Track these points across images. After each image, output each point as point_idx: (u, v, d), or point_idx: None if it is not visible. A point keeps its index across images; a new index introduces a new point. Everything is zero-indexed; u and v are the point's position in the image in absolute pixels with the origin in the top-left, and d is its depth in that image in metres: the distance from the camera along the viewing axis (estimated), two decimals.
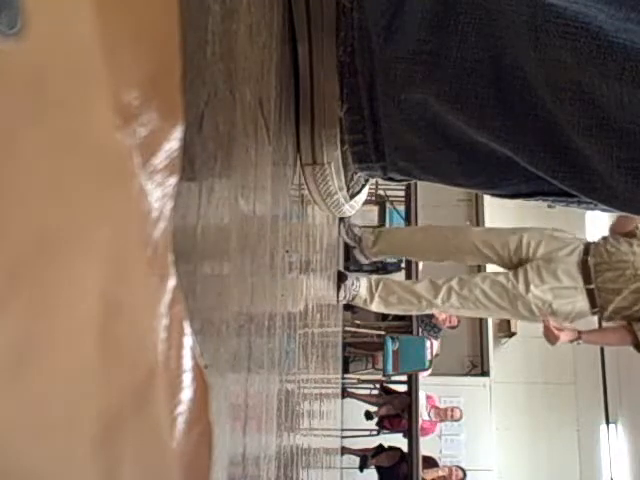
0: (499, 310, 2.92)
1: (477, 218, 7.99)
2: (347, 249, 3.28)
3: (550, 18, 0.73)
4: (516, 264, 2.89)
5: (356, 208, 1.23)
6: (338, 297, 3.01)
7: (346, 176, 1.11)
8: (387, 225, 6.18)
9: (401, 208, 5.71)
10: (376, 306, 3.09)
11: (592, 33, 0.70)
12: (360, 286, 3.02)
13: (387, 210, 5.87)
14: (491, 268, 3.24)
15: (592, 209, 0.89)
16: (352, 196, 1.17)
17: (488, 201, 7.84)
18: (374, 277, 3.18)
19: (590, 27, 0.70)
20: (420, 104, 0.86)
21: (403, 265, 5.97)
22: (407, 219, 5.55)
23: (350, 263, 5.64)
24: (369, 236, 3.08)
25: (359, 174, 1.13)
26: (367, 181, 1.21)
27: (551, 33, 0.72)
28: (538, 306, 2.79)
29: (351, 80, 0.90)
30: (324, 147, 1.05)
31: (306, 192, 1.22)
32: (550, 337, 2.95)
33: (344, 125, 0.95)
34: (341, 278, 2.98)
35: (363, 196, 1.22)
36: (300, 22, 0.97)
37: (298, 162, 1.11)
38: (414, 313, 3.59)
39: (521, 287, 2.81)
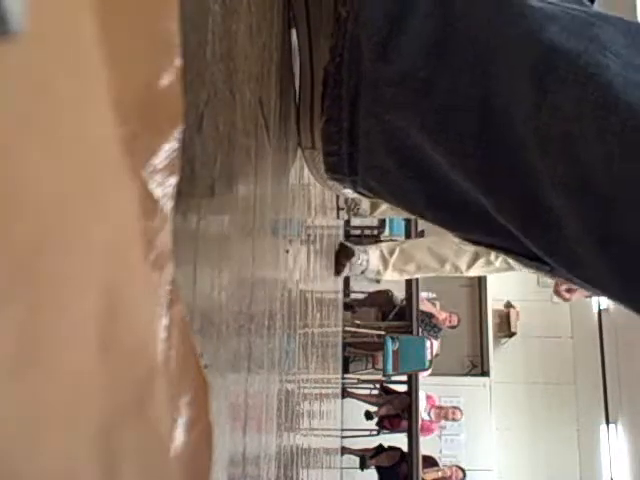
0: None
1: None
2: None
3: (561, 64, 0.70)
4: None
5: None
6: (339, 272, 2.80)
7: None
8: (387, 229, 6.18)
9: None
10: (390, 275, 2.88)
11: (601, 86, 0.68)
12: (369, 259, 2.81)
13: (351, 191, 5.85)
14: None
15: (549, 276, 0.86)
16: None
17: None
18: (385, 245, 2.95)
19: (599, 79, 0.68)
20: (401, 129, 0.84)
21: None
22: (407, 219, 5.55)
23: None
24: (366, 200, 2.83)
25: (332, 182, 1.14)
26: None
27: (559, 79, 0.70)
28: None
29: (334, 91, 0.88)
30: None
31: (307, 192, 1.24)
32: (562, 297, 2.76)
33: (321, 134, 0.93)
34: (347, 254, 2.76)
35: None
36: (300, 13, 0.96)
37: (298, 160, 1.11)
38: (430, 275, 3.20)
39: None
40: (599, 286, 0.75)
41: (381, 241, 5.09)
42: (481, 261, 2.69)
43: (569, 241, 0.73)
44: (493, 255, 2.64)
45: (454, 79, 0.78)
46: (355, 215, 2.89)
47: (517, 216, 0.78)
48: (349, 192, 1.26)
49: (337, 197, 2.91)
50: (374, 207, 2.89)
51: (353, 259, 2.75)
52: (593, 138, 0.68)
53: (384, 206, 2.85)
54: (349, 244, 2.89)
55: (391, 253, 2.81)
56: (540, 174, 0.73)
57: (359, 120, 0.87)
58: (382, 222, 5.98)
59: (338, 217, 2.96)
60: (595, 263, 0.72)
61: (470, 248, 2.67)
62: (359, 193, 0.98)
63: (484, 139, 0.77)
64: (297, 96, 1.04)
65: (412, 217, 4.59)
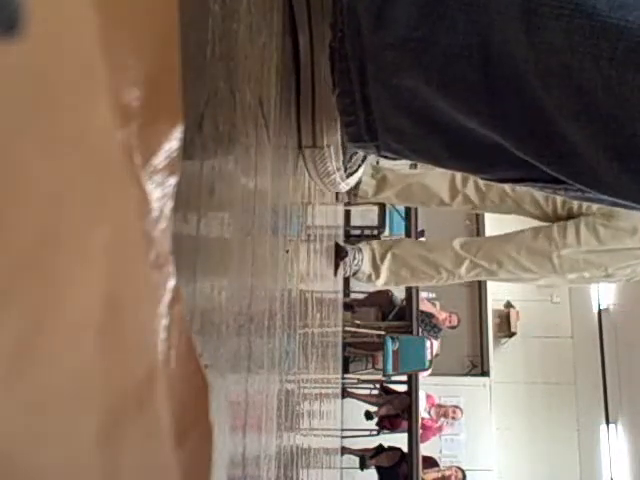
0: (537, 280, 2.49)
1: (477, 216, 7.99)
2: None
3: (545, 0, 0.72)
4: (564, 218, 2.37)
5: (351, 185, 1.30)
6: (336, 273, 2.62)
7: (344, 158, 1.16)
8: (387, 229, 6.16)
9: (401, 208, 5.71)
10: (384, 282, 2.61)
11: (585, 14, 0.70)
12: (362, 259, 2.58)
13: (387, 210, 5.86)
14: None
15: (579, 198, 0.89)
16: (349, 175, 1.22)
17: None
18: (377, 246, 2.65)
19: (584, 8, 0.70)
20: (410, 90, 0.86)
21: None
22: (407, 219, 5.55)
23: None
24: (369, 180, 2.54)
25: (357, 154, 1.17)
26: (364, 161, 1.26)
27: (545, 16, 0.72)
28: (591, 272, 2.36)
29: (342, 65, 0.91)
30: (324, 131, 1.10)
31: (306, 192, 1.24)
32: None
33: (337, 107, 0.96)
34: (340, 254, 2.56)
35: (359, 174, 1.27)
36: (300, 10, 0.98)
37: (298, 160, 1.12)
38: (432, 284, 2.89)
39: (570, 251, 2.32)
40: (630, 199, 0.79)
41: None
42: (484, 273, 2.51)
43: (588, 164, 0.76)
44: (495, 265, 2.47)
45: (449, 33, 0.80)
46: (355, 196, 2.67)
47: (535, 150, 0.81)
48: (344, 188, 1.28)
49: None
50: (379, 189, 2.60)
51: (347, 259, 2.58)
52: (589, 66, 0.70)
53: (389, 192, 2.66)
54: (342, 244, 2.71)
55: (382, 258, 2.60)
56: (548, 106, 0.76)
57: (369, 89, 0.90)
58: (382, 222, 5.98)
59: (337, 199, 2.76)
60: (618, 178, 0.75)
61: (469, 256, 2.52)
62: (384, 157, 1.01)
63: (489, 84, 0.80)
64: (297, 91, 1.06)
65: (412, 207, 4.50)
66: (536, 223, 2.51)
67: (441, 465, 6.23)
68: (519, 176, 0.90)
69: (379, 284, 2.68)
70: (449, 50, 0.80)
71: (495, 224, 6.33)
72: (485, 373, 8.20)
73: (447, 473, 5.97)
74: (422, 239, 5.75)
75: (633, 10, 0.68)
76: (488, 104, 0.81)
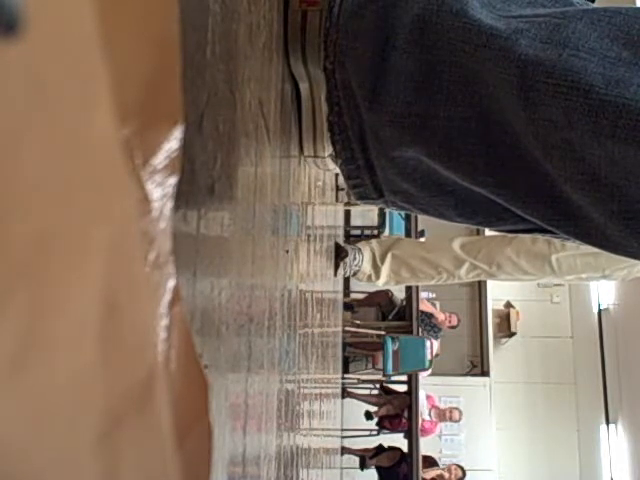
0: (537, 280, 2.59)
1: None
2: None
3: (540, 78, 0.72)
4: None
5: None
6: (336, 274, 2.66)
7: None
8: (387, 229, 6.16)
9: None
10: (385, 282, 2.66)
11: (583, 92, 0.69)
12: (362, 260, 2.63)
13: (387, 210, 5.85)
14: None
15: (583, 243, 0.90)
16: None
17: None
18: (376, 246, 2.71)
19: (580, 85, 0.69)
20: (413, 159, 0.87)
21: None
22: (407, 219, 5.55)
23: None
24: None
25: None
26: None
27: (542, 92, 0.72)
28: (589, 273, 2.44)
29: (342, 136, 0.92)
30: (325, 146, 1.11)
31: (306, 192, 1.25)
32: None
33: (342, 173, 0.98)
34: (340, 254, 2.61)
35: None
36: (295, 59, 0.98)
37: (298, 160, 1.12)
38: (432, 283, 2.90)
39: (568, 253, 2.38)
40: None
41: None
42: (483, 274, 2.58)
43: (597, 226, 0.77)
44: (495, 267, 2.53)
45: (447, 106, 0.80)
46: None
47: (543, 214, 0.82)
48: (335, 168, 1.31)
49: (336, 178, 2.78)
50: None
51: (347, 259, 2.62)
52: (591, 142, 0.70)
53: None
54: (342, 244, 2.74)
55: (382, 259, 2.63)
56: (551, 174, 0.76)
57: (372, 158, 0.92)
58: (382, 222, 5.98)
59: (337, 200, 2.78)
60: (627, 240, 0.76)
61: (469, 259, 2.56)
62: (393, 209, 1.04)
63: (492, 154, 0.80)
64: (299, 106, 1.07)
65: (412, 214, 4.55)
66: None
67: (441, 465, 6.23)
68: (527, 227, 0.90)
69: (380, 284, 2.72)
70: (448, 123, 0.80)
71: None
72: (485, 373, 8.19)
73: (446, 472, 5.97)
74: (422, 239, 5.75)
75: (629, 86, 0.68)
76: (492, 174, 0.81)
